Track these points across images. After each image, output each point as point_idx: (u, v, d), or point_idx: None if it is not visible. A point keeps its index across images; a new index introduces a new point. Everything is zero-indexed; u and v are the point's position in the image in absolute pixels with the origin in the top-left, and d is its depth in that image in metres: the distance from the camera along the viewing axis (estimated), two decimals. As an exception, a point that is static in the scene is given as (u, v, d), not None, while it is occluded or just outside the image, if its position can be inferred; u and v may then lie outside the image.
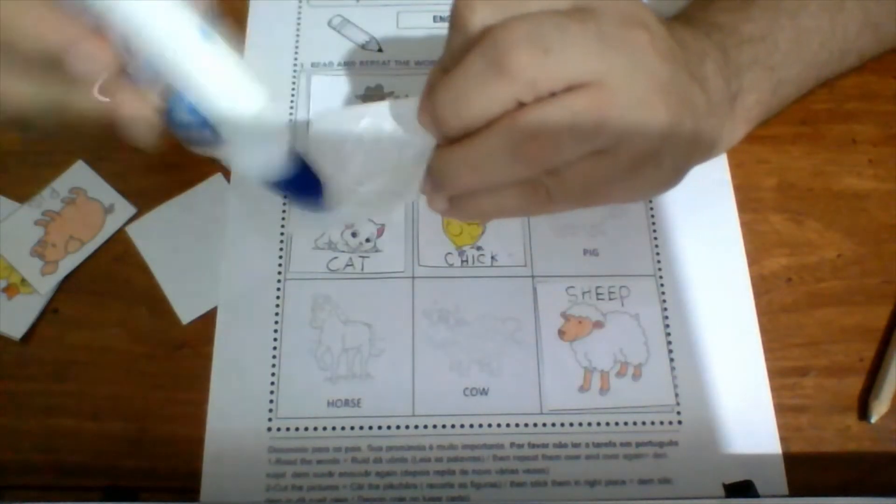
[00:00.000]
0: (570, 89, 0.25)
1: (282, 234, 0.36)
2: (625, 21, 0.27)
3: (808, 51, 0.34)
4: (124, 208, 0.37)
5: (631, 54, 0.26)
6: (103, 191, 0.37)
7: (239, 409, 0.33)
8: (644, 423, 0.33)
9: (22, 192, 0.37)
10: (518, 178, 0.28)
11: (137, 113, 0.25)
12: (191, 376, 0.34)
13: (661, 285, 0.36)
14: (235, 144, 0.26)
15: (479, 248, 0.36)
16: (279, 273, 0.36)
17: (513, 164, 0.26)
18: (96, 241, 0.36)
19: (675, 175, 0.31)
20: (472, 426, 0.33)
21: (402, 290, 0.35)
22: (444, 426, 0.33)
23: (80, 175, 0.38)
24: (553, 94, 0.25)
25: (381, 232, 0.36)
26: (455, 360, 0.34)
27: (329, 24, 0.42)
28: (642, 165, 0.28)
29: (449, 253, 0.36)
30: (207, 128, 0.25)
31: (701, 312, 0.35)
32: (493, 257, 0.36)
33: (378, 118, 0.29)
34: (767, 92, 0.34)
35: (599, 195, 0.29)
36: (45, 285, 0.35)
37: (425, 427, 0.33)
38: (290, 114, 0.39)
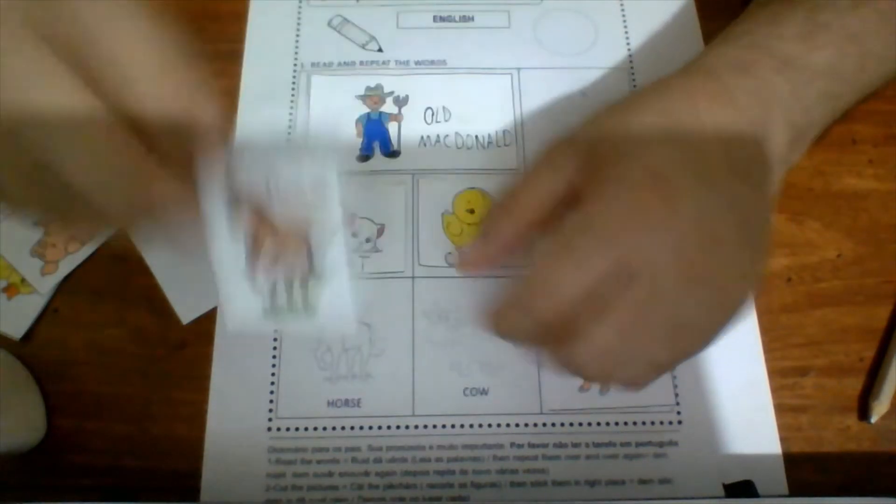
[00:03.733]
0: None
1: (282, 234, 0.36)
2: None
3: (867, 77, 0.33)
4: None
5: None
6: None
7: (239, 409, 0.33)
8: (644, 423, 0.33)
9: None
10: None
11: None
12: (191, 376, 0.34)
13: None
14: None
15: (479, 248, 0.36)
16: (279, 273, 0.35)
17: None
18: (96, 241, 0.36)
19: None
20: (472, 426, 0.33)
21: (402, 290, 0.35)
22: (444, 426, 0.33)
23: None
24: None
25: (381, 232, 0.36)
26: (455, 360, 0.34)
27: (329, 24, 0.42)
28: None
29: (449, 253, 0.36)
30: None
31: (701, 312, 0.35)
32: (493, 257, 0.36)
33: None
34: (827, 123, 0.33)
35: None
36: (45, 285, 0.35)
37: (425, 427, 0.33)
38: (290, 114, 0.39)
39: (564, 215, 0.29)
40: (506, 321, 0.29)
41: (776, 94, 0.31)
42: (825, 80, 0.32)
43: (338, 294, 0.29)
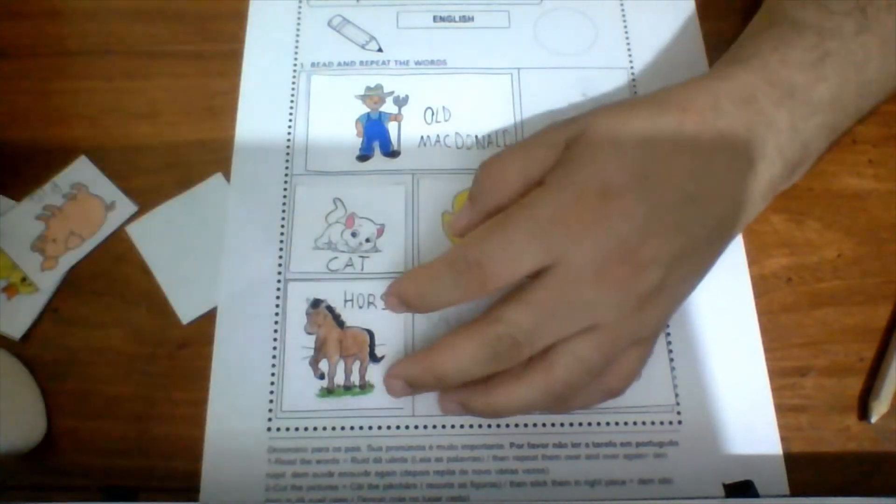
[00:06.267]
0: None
1: (282, 234, 0.36)
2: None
3: (865, 104, 0.33)
4: (126, 206, 0.37)
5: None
6: (105, 187, 0.37)
7: (239, 409, 0.33)
8: (644, 423, 0.33)
9: (24, 188, 0.37)
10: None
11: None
12: (191, 376, 0.34)
13: (661, 285, 0.36)
14: None
15: (479, 248, 0.36)
16: (279, 273, 0.36)
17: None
18: (97, 237, 0.36)
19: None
20: (472, 426, 0.33)
21: (402, 290, 0.35)
22: (444, 426, 0.33)
23: (82, 170, 0.38)
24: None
25: (381, 232, 0.36)
26: (455, 360, 0.34)
27: (329, 24, 0.42)
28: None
29: (449, 253, 0.36)
30: None
31: (701, 312, 0.35)
32: (493, 257, 0.36)
33: None
34: (823, 153, 0.33)
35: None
36: (45, 281, 0.35)
37: (425, 427, 0.33)
38: (290, 114, 0.39)
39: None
40: (428, 279, 0.30)
41: (773, 128, 0.30)
42: (825, 113, 0.31)
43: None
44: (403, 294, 0.31)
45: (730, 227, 0.31)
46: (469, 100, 0.40)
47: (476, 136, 0.39)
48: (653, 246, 0.28)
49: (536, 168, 0.31)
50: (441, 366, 0.30)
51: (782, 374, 0.34)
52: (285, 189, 0.37)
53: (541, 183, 0.30)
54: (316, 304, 0.35)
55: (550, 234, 0.28)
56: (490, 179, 0.32)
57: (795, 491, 0.32)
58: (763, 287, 0.36)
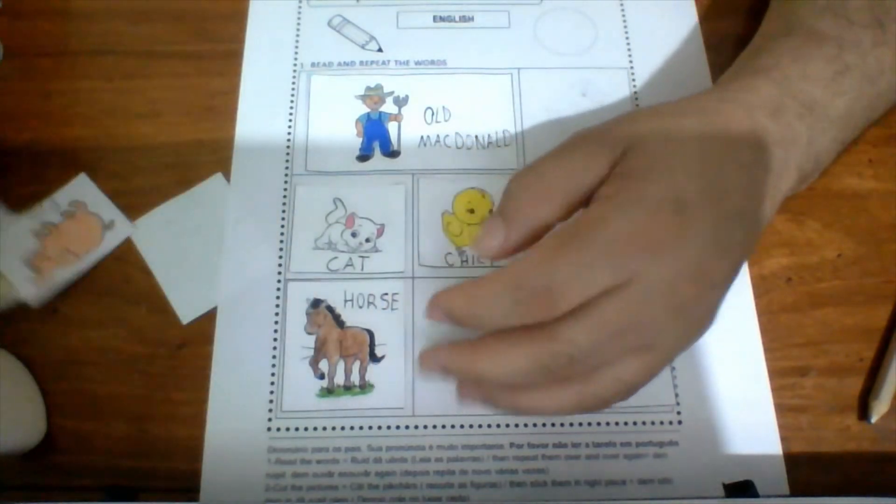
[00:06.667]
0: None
1: (282, 234, 0.36)
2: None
3: (874, 115, 0.33)
4: (123, 225, 0.36)
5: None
6: (104, 206, 0.37)
7: (239, 409, 0.33)
8: (644, 423, 0.33)
9: (19, 189, 0.37)
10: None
11: None
12: (191, 376, 0.34)
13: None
14: None
15: (479, 248, 0.36)
16: (279, 273, 0.36)
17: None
18: (91, 256, 0.36)
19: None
20: (471, 426, 0.33)
21: (402, 290, 0.35)
22: (444, 426, 0.33)
23: (81, 188, 0.37)
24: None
25: (381, 232, 0.36)
26: (455, 360, 0.34)
27: (329, 24, 0.42)
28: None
29: (449, 253, 0.36)
30: None
31: (701, 312, 0.35)
32: (493, 257, 0.36)
33: None
34: (830, 164, 0.33)
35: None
36: (35, 297, 0.35)
37: (425, 427, 0.33)
38: (290, 114, 0.39)
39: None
40: (485, 300, 0.28)
41: (796, 142, 0.30)
42: (838, 128, 0.31)
43: (391, 373, 0.34)
44: (453, 309, 0.28)
45: (755, 243, 0.30)
46: (469, 100, 0.40)
47: (476, 136, 0.39)
48: (721, 265, 0.27)
49: (580, 181, 0.28)
50: (485, 370, 0.28)
51: (782, 374, 0.34)
52: (285, 189, 0.37)
53: (588, 197, 0.28)
54: (316, 304, 0.35)
55: (627, 254, 0.26)
56: (528, 194, 0.29)
57: (795, 491, 0.32)
58: (763, 287, 0.36)
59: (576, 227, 0.27)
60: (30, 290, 0.35)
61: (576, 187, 0.28)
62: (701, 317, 0.28)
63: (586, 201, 0.28)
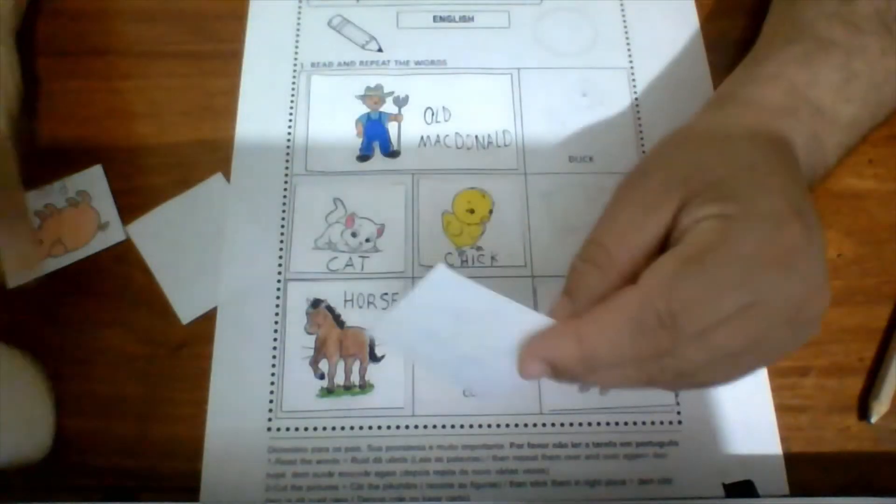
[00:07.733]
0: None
1: (282, 234, 0.36)
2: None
3: (875, 123, 0.33)
4: (117, 230, 0.36)
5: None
6: (105, 204, 0.37)
7: (239, 409, 0.33)
8: (644, 423, 0.33)
9: (34, 185, 0.37)
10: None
11: None
12: (191, 376, 0.34)
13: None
14: None
15: (478, 249, 0.36)
16: (279, 273, 0.36)
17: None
18: (77, 254, 0.36)
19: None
20: (471, 426, 0.33)
21: (402, 290, 0.35)
22: (444, 426, 0.33)
23: (93, 180, 0.37)
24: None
25: (381, 232, 0.36)
26: (455, 360, 0.34)
27: (329, 24, 0.42)
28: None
29: (449, 253, 0.36)
30: None
31: (701, 312, 0.35)
32: (492, 257, 0.36)
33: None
34: (833, 169, 0.33)
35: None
36: (15, 279, 0.34)
37: (425, 427, 0.33)
38: (290, 114, 0.39)
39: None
40: (602, 338, 0.25)
41: (807, 146, 0.30)
42: (844, 134, 0.31)
43: (391, 373, 0.33)
44: (562, 359, 0.25)
45: None
46: (469, 100, 0.40)
47: (476, 136, 0.39)
48: (826, 274, 0.26)
49: (658, 229, 0.27)
50: (591, 378, 0.26)
51: (782, 374, 0.34)
52: (285, 189, 0.37)
53: (672, 229, 0.27)
54: (316, 304, 0.35)
55: (756, 274, 0.25)
56: (601, 261, 0.27)
57: (795, 491, 0.32)
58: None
59: (700, 252, 0.25)
60: (13, 266, 0.33)
61: (638, 250, 0.27)
62: (814, 321, 0.27)
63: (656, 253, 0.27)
